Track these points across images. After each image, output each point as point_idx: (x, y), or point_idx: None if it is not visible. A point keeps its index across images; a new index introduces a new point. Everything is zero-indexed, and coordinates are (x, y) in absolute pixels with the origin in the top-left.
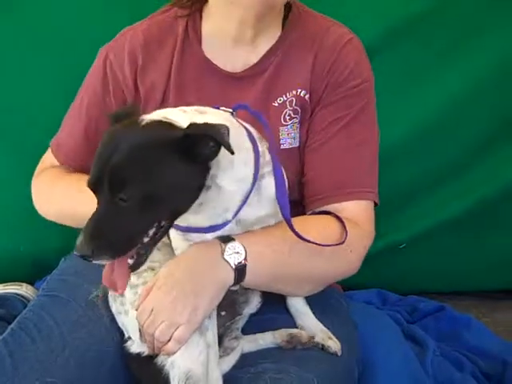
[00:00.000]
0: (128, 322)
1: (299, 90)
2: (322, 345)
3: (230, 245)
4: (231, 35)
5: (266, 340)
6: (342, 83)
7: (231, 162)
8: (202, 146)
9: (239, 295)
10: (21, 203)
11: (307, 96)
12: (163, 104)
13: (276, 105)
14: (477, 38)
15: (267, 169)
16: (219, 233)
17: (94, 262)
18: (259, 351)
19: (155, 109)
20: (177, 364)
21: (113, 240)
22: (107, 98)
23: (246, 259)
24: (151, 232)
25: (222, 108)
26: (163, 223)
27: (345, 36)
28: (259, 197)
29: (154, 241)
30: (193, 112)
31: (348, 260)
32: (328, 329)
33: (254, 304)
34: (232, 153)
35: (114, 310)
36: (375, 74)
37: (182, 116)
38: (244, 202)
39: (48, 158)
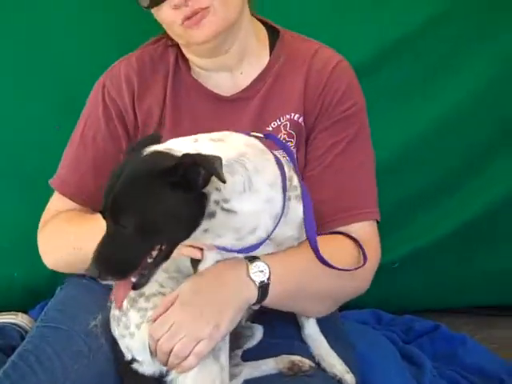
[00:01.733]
0: (133, 343)
1: (293, 114)
2: (340, 378)
3: (255, 263)
4: (207, 66)
5: (268, 366)
6: (336, 106)
7: (250, 184)
8: (193, 174)
9: (244, 329)
10: (14, 230)
11: (301, 119)
12: (160, 129)
13: (270, 129)
14: (467, 54)
15: (293, 193)
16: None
17: (102, 282)
18: (261, 378)
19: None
20: None
21: (116, 263)
22: (110, 123)
23: (269, 278)
24: (154, 253)
25: (252, 133)
26: (163, 247)
27: (333, 59)
28: (285, 218)
29: (155, 263)
30: (205, 141)
31: (362, 278)
32: None
33: (255, 339)
34: (223, 181)
35: (116, 333)
36: (369, 91)
37: (190, 146)
38: (277, 222)
39: (53, 206)
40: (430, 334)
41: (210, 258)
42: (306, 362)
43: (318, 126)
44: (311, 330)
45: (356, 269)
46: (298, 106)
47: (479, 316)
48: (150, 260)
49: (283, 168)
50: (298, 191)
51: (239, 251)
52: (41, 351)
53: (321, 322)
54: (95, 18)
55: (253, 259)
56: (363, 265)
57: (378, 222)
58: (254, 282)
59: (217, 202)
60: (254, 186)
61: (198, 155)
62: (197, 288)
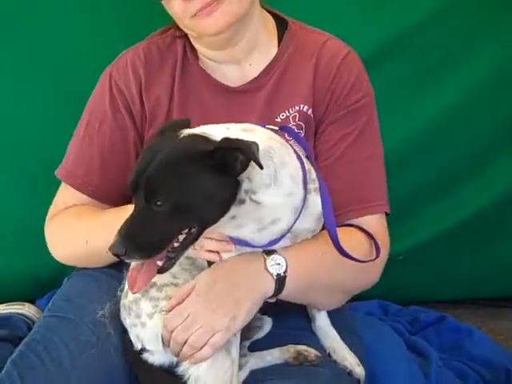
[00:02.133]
0: (145, 333)
1: (302, 106)
2: (351, 370)
3: (272, 256)
4: (217, 57)
5: (273, 356)
6: (346, 98)
7: (275, 178)
8: (232, 159)
9: (255, 320)
10: (20, 221)
11: (310, 111)
12: (168, 119)
13: (279, 120)
14: (468, 50)
15: (313, 185)
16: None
17: (126, 260)
18: (267, 368)
19: (161, 124)
20: (202, 380)
21: (144, 242)
22: (117, 114)
23: (286, 271)
24: (181, 237)
25: (268, 126)
26: (193, 230)
27: (342, 50)
28: (305, 211)
29: (184, 246)
30: (236, 130)
31: (373, 271)
32: None
33: (264, 330)
34: (261, 167)
35: (127, 323)
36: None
37: (223, 132)
38: (297, 215)
39: (60, 198)
40: (436, 325)
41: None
42: (312, 352)
43: (328, 117)
44: (322, 323)
45: (373, 260)
46: (307, 98)
47: (486, 307)
48: (176, 244)
49: (302, 161)
50: (317, 184)
51: (260, 246)
52: (48, 341)
53: (330, 314)
54: (99, 10)
55: (269, 252)
56: (376, 257)
57: (387, 214)
58: (271, 274)
59: (246, 192)
60: (279, 180)
61: (238, 140)
62: (214, 280)
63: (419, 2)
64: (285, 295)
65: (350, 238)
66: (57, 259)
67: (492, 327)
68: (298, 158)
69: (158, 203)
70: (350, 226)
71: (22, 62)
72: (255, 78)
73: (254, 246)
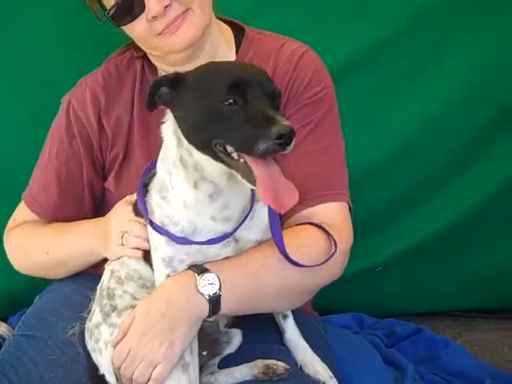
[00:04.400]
0: (102, 361)
1: None
2: (324, 382)
3: (204, 276)
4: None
5: (242, 373)
6: (303, 92)
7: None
8: None
9: (221, 335)
10: None
11: None
12: (130, 138)
13: None
14: (440, 61)
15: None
16: (217, 246)
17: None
18: None
19: (124, 142)
20: None
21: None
22: (73, 141)
23: (220, 289)
24: None
25: None
26: None
27: (300, 49)
28: (251, 221)
29: None
30: None
31: (333, 265)
32: None
33: (234, 344)
34: None
35: (89, 346)
36: (345, 97)
37: None
38: (244, 218)
39: (20, 214)
40: (412, 337)
41: (161, 274)
42: (281, 365)
43: (287, 112)
44: (292, 335)
45: (326, 261)
46: None
47: (461, 319)
48: None
49: None
50: None
51: (199, 243)
52: (17, 360)
53: (299, 325)
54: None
55: (202, 271)
56: (333, 253)
57: (350, 208)
58: (203, 295)
59: None
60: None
61: None
62: (147, 310)
63: (392, 13)
64: (228, 311)
65: (304, 238)
66: (17, 269)
67: (467, 339)
68: None
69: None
70: (307, 224)
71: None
72: None
73: (194, 243)
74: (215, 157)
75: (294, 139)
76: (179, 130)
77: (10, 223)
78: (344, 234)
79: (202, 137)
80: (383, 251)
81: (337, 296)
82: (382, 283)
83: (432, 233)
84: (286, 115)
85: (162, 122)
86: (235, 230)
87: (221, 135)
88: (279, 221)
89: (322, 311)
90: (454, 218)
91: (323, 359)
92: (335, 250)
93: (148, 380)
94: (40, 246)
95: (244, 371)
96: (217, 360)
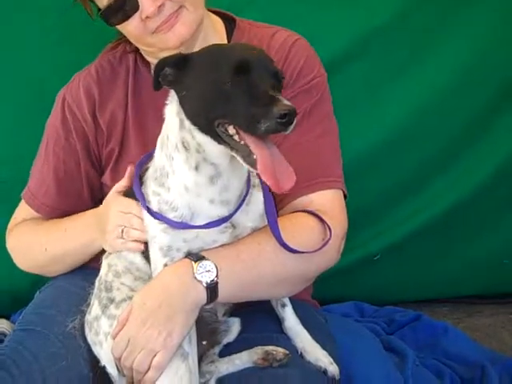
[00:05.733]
0: (103, 353)
1: None
2: (325, 369)
3: (201, 263)
4: None
5: (242, 360)
6: (296, 80)
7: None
8: None
9: (220, 324)
10: None
11: None
12: (125, 133)
13: None
14: (434, 47)
15: (256, 180)
16: (215, 230)
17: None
18: (237, 375)
19: (119, 138)
20: None
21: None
22: (70, 137)
23: (217, 276)
24: None
25: None
26: None
27: (291, 37)
28: (247, 207)
29: None
30: None
31: (329, 252)
32: None
33: (233, 333)
34: None
35: (89, 339)
36: (341, 86)
37: None
38: (241, 202)
39: (20, 213)
40: (412, 324)
41: (158, 263)
42: (280, 351)
43: None
44: (291, 323)
45: (320, 248)
46: None
47: (462, 305)
48: None
49: None
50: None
51: (198, 227)
52: (18, 355)
53: (299, 313)
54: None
55: (198, 259)
56: (328, 240)
57: (345, 196)
58: (200, 282)
59: None
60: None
61: None
62: (144, 300)
63: (386, 2)
64: (226, 298)
65: (299, 226)
66: (20, 267)
67: (469, 324)
68: None
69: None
70: (301, 211)
71: None
72: None
73: (192, 227)
74: (217, 138)
75: (296, 119)
76: (182, 112)
77: (11, 222)
78: (339, 221)
79: (205, 117)
80: (382, 239)
81: (336, 285)
82: (381, 271)
83: (430, 219)
84: None
85: (160, 113)
86: (233, 214)
87: (224, 115)
88: (274, 207)
89: (323, 300)
90: (452, 203)
91: (324, 347)
92: (330, 237)
93: (148, 369)
94: (38, 243)
95: (244, 358)
96: (217, 349)
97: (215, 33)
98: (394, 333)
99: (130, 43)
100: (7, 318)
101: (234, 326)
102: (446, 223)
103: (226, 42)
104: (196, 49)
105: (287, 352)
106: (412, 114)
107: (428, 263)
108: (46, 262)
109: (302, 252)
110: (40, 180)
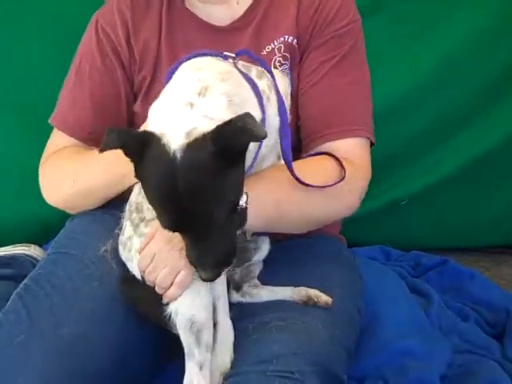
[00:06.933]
0: (134, 268)
1: (286, 37)
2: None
3: None
4: None
5: (284, 294)
6: (329, 24)
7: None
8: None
9: (249, 243)
10: (27, 166)
11: (295, 41)
12: (157, 63)
13: (265, 53)
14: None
15: (271, 110)
16: None
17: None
18: (264, 303)
19: (151, 67)
20: (180, 311)
21: (225, 256)
22: (106, 60)
23: (246, 202)
24: None
25: (225, 53)
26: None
27: None
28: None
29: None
30: (191, 94)
31: (346, 200)
32: (333, 275)
33: (263, 251)
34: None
35: (123, 258)
36: (370, 32)
37: (187, 114)
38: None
39: (52, 143)
40: (438, 268)
41: None
42: (323, 298)
43: (312, 44)
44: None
45: (331, 185)
46: (292, 28)
47: (489, 254)
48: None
49: (257, 88)
50: (273, 104)
51: None
52: (52, 274)
53: (329, 249)
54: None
55: None
56: (340, 181)
57: (372, 144)
58: None
59: None
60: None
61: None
62: None
63: None
64: (251, 226)
65: (317, 165)
66: (48, 202)
67: (494, 272)
68: (253, 86)
69: (217, 219)
70: (324, 154)
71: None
72: (242, 16)
73: None
74: None
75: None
76: None
77: (44, 154)
78: (362, 170)
79: None
80: (409, 185)
81: (363, 229)
82: (408, 217)
83: (458, 168)
84: (312, 47)
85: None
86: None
87: None
88: (290, 143)
89: (349, 243)
90: (480, 153)
91: (352, 282)
92: (343, 178)
93: (170, 285)
94: (67, 174)
95: (286, 294)
96: (256, 272)
97: None
98: (420, 276)
99: None
100: (39, 246)
101: (264, 244)
102: (474, 173)
103: None
104: None
105: (329, 302)
106: (444, 61)
107: (455, 211)
108: (74, 196)
109: (314, 186)
110: (72, 104)
